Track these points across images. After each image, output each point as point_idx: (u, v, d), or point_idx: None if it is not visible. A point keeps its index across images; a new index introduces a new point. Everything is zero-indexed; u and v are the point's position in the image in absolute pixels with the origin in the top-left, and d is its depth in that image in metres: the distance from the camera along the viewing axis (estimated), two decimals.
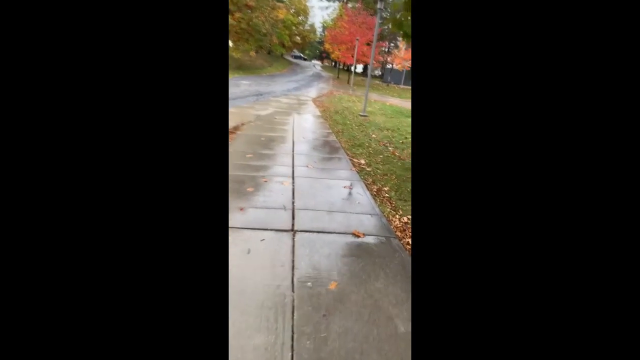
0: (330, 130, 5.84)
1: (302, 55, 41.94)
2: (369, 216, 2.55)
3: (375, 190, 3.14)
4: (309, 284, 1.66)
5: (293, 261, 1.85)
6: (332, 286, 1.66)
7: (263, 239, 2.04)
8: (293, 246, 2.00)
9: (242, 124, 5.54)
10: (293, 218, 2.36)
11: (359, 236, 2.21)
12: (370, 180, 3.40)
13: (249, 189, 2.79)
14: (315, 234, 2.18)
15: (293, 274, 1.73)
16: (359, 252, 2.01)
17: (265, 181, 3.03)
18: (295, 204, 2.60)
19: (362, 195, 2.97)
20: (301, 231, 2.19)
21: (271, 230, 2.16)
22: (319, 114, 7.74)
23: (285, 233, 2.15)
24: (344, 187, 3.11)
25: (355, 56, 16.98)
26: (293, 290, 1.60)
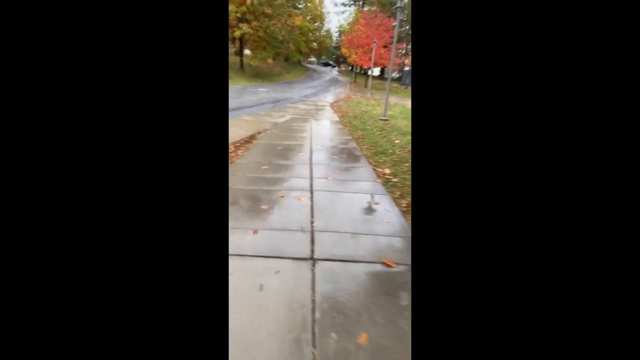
0: (350, 137, 5.52)
1: (329, 62, 41.77)
2: (400, 239, 2.19)
3: (404, 205, 2.77)
4: (334, 335, 1.34)
5: (313, 301, 1.53)
6: (363, 339, 1.32)
7: (278, 271, 1.74)
8: (313, 280, 1.69)
9: (259, 133, 5.34)
10: (312, 243, 2.05)
11: (390, 266, 1.86)
12: (398, 193, 3.04)
13: (264, 207, 2.52)
14: (338, 263, 1.86)
15: (314, 320, 1.41)
16: (392, 289, 1.67)
17: (282, 196, 2.75)
18: (314, 225, 2.29)
19: (390, 211, 2.62)
20: (322, 260, 1.87)
21: (287, 258, 1.86)
22: (337, 119, 7.44)
23: (303, 262, 1.84)
24: (369, 203, 2.76)
25: (372, 59, 16.62)
26: (314, 346, 1.28)
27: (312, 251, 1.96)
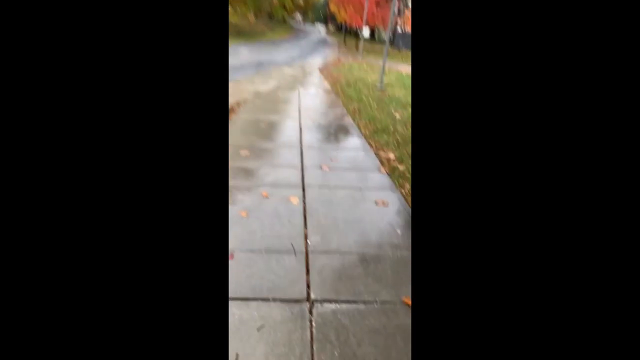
0: (345, 110, 4.85)
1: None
2: None
3: None
4: None
5: None
6: None
7: (261, 326, 1.23)
8: (311, 339, 1.19)
9: (238, 105, 4.58)
10: (307, 272, 1.54)
11: None
12: (408, 187, 2.52)
13: (242, 214, 1.95)
14: (344, 305, 1.36)
15: None
16: None
17: (265, 196, 2.18)
18: (309, 241, 1.76)
19: (402, 216, 2.11)
20: (322, 301, 1.37)
21: (274, 301, 1.35)
22: (328, 87, 6.66)
23: (296, 306, 1.34)
24: (376, 204, 2.24)
25: (364, 18, 15.20)
26: None
27: (308, 286, 1.45)
